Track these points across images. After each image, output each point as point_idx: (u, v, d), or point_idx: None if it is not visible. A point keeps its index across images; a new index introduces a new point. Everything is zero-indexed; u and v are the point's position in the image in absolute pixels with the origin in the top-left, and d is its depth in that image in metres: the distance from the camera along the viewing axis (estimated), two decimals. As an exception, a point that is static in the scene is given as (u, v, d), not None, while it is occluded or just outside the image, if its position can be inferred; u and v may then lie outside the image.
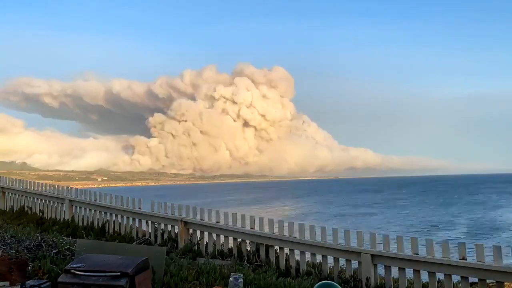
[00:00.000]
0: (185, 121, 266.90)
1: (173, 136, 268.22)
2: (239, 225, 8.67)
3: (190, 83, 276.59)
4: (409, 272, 6.87)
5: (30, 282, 5.12)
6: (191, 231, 9.27)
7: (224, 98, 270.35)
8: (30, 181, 12.86)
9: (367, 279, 6.94)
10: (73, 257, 6.25)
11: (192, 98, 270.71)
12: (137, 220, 10.18)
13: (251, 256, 8.26)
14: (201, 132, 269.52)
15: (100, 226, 10.55)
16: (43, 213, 11.80)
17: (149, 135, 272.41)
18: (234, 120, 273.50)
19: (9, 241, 7.25)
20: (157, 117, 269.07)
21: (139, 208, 10.14)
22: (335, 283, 4.53)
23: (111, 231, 10.33)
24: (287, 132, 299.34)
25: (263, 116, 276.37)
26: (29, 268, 6.16)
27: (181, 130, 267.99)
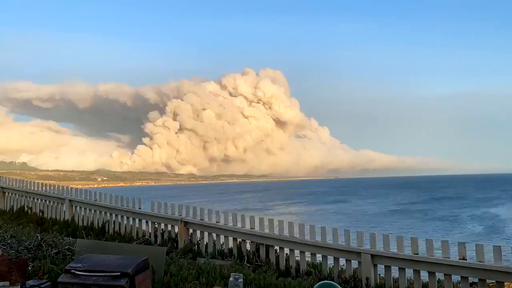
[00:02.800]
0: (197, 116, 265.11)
1: (180, 130, 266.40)
2: (239, 225, 8.67)
3: (179, 90, 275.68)
4: (409, 272, 6.87)
5: (30, 282, 5.13)
6: (191, 231, 9.27)
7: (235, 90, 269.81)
8: (30, 181, 12.86)
9: (367, 279, 6.94)
10: (73, 257, 6.26)
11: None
12: (137, 220, 10.18)
13: (251, 256, 8.26)
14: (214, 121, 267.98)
15: (100, 226, 10.55)
16: (43, 213, 11.80)
17: (150, 134, 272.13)
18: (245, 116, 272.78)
19: (9, 241, 7.24)
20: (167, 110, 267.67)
21: (139, 208, 10.14)
22: (335, 283, 4.54)
23: (111, 231, 10.33)
24: (295, 131, 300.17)
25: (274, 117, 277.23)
26: (29, 268, 6.16)
27: (191, 124, 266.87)
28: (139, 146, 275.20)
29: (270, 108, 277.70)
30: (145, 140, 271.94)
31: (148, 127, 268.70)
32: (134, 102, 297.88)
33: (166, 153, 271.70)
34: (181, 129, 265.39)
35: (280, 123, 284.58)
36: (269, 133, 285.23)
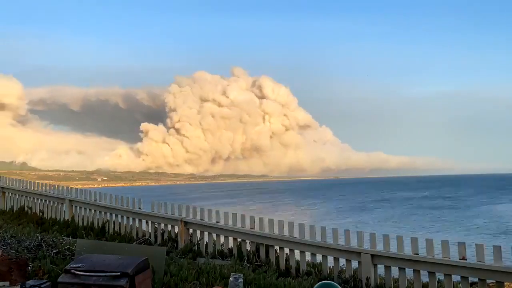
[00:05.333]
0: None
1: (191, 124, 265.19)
2: (239, 225, 8.67)
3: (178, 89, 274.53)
4: (409, 272, 6.87)
5: (30, 282, 5.13)
6: (191, 231, 9.27)
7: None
8: (30, 181, 12.86)
9: (367, 279, 6.94)
10: (73, 257, 6.25)
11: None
12: (137, 220, 10.17)
13: (251, 256, 8.26)
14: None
15: (100, 226, 10.54)
16: (43, 213, 11.80)
17: (150, 134, 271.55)
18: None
19: (9, 241, 7.25)
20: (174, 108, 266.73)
21: (139, 208, 10.14)
22: (335, 283, 4.54)
23: (111, 231, 10.33)
24: (299, 131, 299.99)
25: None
26: (29, 268, 6.16)
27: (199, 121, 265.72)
28: (139, 146, 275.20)
29: (275, 104, 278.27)
30: (145, 140, 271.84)
31: (147, 126, 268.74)
32: (127, 103, 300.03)
33: (166, 152, 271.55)
34: (182, 124, 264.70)
35: (288, 123, 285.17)
36: (279, 132, 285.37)
